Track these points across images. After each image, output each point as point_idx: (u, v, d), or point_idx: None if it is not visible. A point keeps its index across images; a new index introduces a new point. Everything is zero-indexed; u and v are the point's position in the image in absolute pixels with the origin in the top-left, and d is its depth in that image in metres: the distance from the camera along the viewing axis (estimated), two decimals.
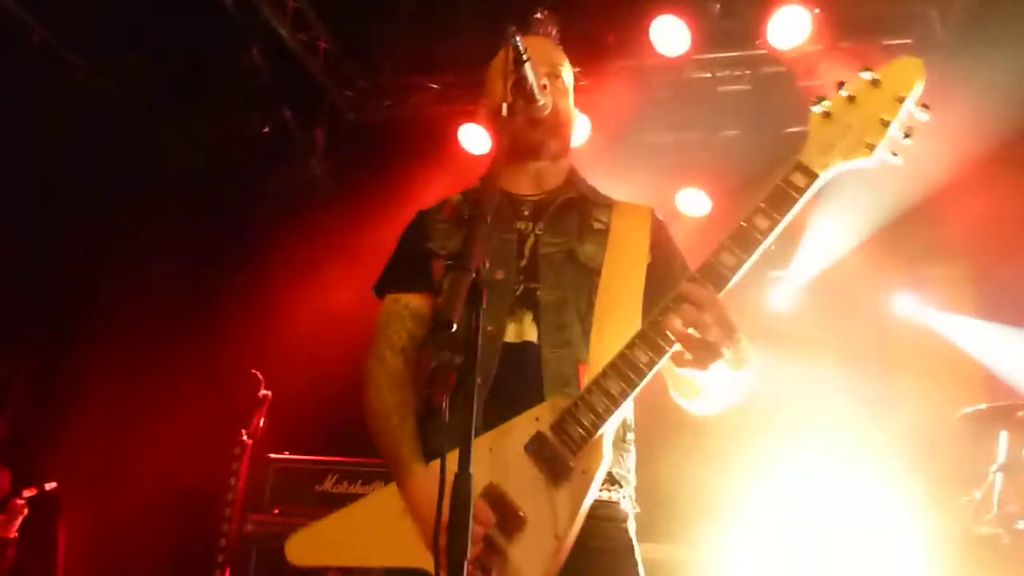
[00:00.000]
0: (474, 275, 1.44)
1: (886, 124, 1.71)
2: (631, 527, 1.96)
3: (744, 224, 1.72)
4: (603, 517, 1.88)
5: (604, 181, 2.35)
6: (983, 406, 4.50)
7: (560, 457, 1.74)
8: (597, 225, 2.12)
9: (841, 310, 5.59)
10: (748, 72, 5.46)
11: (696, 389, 1.92)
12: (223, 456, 4.37)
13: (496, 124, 2.17)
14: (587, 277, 2.03)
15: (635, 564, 1.92)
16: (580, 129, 5.37)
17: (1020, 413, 4.37)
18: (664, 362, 1.74)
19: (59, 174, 5.36)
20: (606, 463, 1.78)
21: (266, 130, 5.85)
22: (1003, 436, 4.50)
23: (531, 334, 1.96)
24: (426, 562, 1.75)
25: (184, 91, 5.54)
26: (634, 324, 1.92)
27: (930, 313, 5.91)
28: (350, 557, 1.91)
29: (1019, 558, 4.31)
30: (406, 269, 2.16)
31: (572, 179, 2.25)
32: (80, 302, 5.50)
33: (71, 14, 5.02)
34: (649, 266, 2.06)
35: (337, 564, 1.91)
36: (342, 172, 6.21)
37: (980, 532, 4.50)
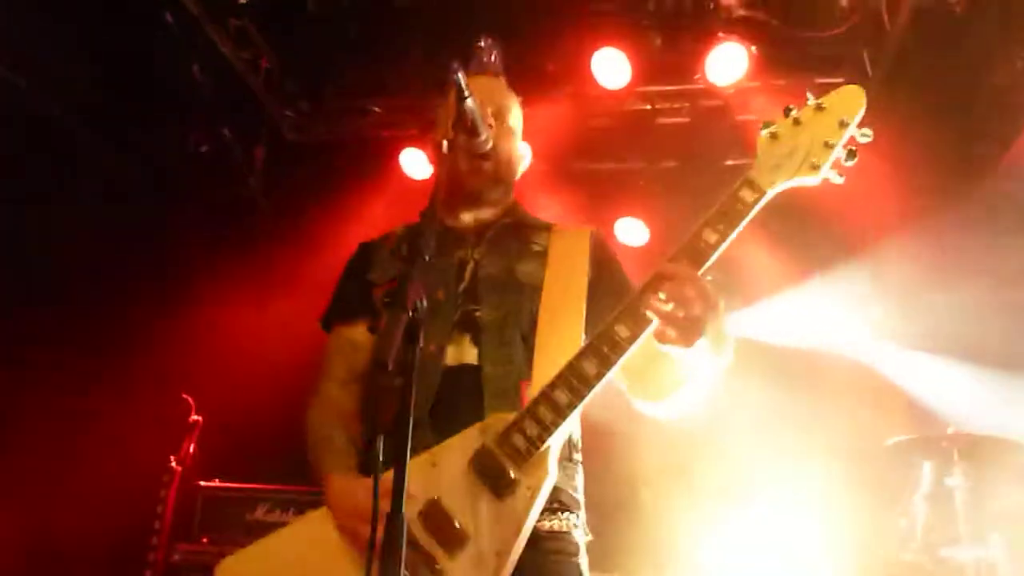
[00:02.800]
0: (411, 314, 1.44)
1: (831, 146, 1.81)
2: (583, 561, 1.94)
3: (693, 238, 1.76)
4: (554, 551, 1.86)
5: (544, 209, 2.39)
6: (907, 437, 4.64)
7: (504, 470, 1.72)
8: (535, 247, 2.15)
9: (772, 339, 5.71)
10: (687, 105, 5.57)
11: (671, 380, 1.92)
12: (151, 483, 4.26)
13: (437, 159, 2.20)
14: (527, 296, 2.04)
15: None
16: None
17: (943, 443, 4.51)
18: (614, 372, 1.75)
19: None
20: (551, 479, 1.75)
21: (204, 148, 5.75)
22: (927, 466, 4.63)
23: (470, 356, 1.97)
24: None
25: (122, 107, 5.43)
26: (576, 340, 1.93)
27: (859, 344, 6.07)
28: None
29: None
30: (348, 301, 2.20)
31: (512, 207, 2.29)
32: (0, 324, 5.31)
33: (4, 24, 4.89)
34: (590, 283, 2.07)
35: None
36: (281, 193, 6.14)
37: (905, 559, 4.62)
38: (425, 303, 1.47)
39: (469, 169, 2.13)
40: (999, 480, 4.51)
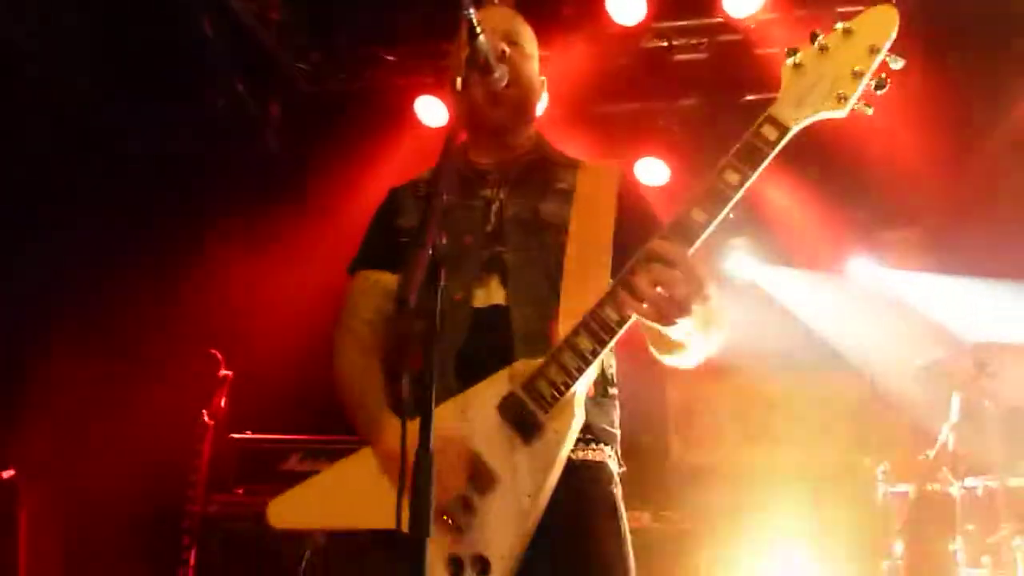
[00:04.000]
0: (431, 252, 1.44)
1: (859, 75, 1.69)
2: (617, 489, 1.97)
3: (714, 179, 1.71)
4: (588, 479, 1.90)
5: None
6: (938, 358, 4.62)
7: (532, 416, 1.76)
8: (561, 185, 2.12)
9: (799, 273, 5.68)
10: (705, 40, 5.45)
11: (670, 343, 1.90)
12: (185, 438, 4.33)
13: (452, 98, 2.17)
14: (553, 236, 2.02)
15: (619, 525, 1.93)
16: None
17: (971, 371, 4.49)
18: (634, 319, 1.74)
19: (4, 159, 5.21)
20: (578, 422, 1.79)
21: (219, 104, 5.72)
22: (955, 395, 4.62)
23: (499, 297, 1.97)
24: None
25: (131, 67, 5.40)
26: (604, 281, 1.92)
27: (886, 274, 6.03)
28: (333, 519, 1.95)
29: (968, 513, 4.46)
30: (377, 247, 2.19)
31: (537, 142, 2.26)
32: (32, 286, 5.37)
33: None
34: (616, 221, 2.04)
35: (319, 526, 1.95)
36: (299, 146, 6.13)
37: (933, 489, 4.64)
38: (445, 241, 1.47)
39: (489, 101, 2.08)
40: None
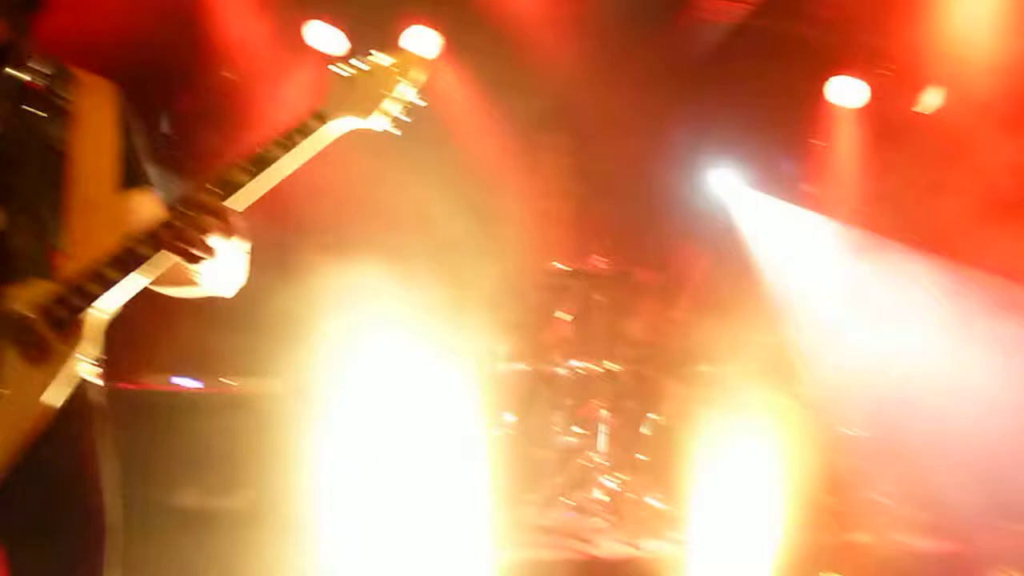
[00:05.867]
0: None
1: (382, 97, 2.01)
2: (100, 401, 2.00)
3: (261, 150, 1.91)
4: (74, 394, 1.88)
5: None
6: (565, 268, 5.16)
7: (40, 336, 1.77)
8: (59, 103, 1.96)
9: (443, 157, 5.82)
10: None
11: (179, 280, 1.98)
12: None
13: None
14: (53, 160, 1.92)
15: (92, 436, 1.95)
16: None
17: (588, 274, 5.10)
18: (161, 256, 1.83)
19: None
20: (92, 348, 1.83)
21: None
22: (574, 291, 5.22)
23: None
24: None
25: None
26: (109, 208, 1.93)
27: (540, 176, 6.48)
28: None
29: (568, 389, 5.15)
30: None
31: (15, 36, 1.95)
32: None
33: None
34: (123, 150, 2.01)
35: None
36: None
37: (543, 368, 5.27)
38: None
39: None
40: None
